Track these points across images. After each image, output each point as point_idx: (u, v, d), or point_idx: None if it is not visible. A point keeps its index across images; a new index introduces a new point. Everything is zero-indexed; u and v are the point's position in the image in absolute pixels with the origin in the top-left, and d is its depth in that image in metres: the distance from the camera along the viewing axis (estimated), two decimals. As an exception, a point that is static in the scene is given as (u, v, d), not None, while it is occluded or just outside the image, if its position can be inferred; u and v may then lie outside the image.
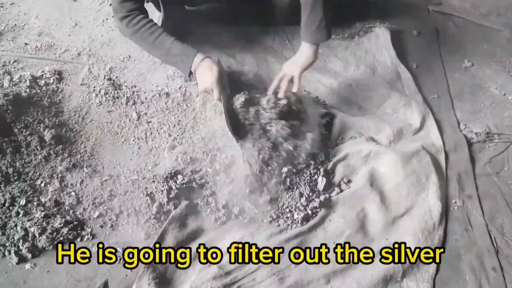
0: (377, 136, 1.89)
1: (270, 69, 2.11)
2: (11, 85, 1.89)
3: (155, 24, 1.78)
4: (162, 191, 1.61)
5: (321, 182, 1.69)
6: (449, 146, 1.89)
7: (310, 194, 1.66)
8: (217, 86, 1.68)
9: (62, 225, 1.53)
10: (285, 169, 1.67)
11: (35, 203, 1.59)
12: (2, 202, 1.57)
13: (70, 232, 1.54)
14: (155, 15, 2.04)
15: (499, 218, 1.70)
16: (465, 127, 1.98)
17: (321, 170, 1.72)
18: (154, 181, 1.65)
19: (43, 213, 1.55)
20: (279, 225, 1.61)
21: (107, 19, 2.31)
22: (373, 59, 2.23)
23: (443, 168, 1.82)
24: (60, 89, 1.94)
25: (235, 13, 2.25)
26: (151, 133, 1.84)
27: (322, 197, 1.65)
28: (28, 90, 1.87)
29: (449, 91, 2.14)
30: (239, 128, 1.70)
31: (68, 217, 1.58)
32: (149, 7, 2.02)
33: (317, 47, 1.77)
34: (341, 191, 1.72)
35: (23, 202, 1.57)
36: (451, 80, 2.19)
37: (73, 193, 1.64)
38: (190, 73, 1.76)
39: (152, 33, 1.74)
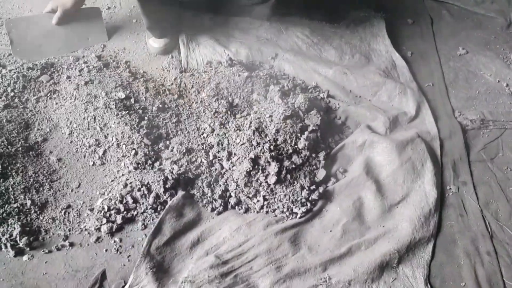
0: (373, 123, 1.89)
1: (264, 59, 2.11)
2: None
3: None
4: (159, 181, 1.61)
5: (321, 174, 1.70)
6: (444, 133, 1.90)
7: (310, 186, 1.66)
8: (50, 5, 2.05)
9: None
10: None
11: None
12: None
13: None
14: None
15: (494, 203, 1.72)
16: (460, 114, 1.99)
17: (321, 161, 1.72)
18: (149, 172, 1.66)
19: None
20: (276, 215, 1.61)
21: (101, 11, 2.29)
22: (368, 48, 2.23)
23: (438, 155, 1.83)
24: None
25: (229, 4, 2.24)
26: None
27: (321, 189, 1.66)
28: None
29: (443, 78, 2.14)
30: None
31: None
32: None
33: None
34: (337, 180, 1.73)
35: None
36: (445, 68, 2.20)
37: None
38: None
39: None
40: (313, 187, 1.66)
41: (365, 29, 2.31)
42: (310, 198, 1.63)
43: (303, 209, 1.60)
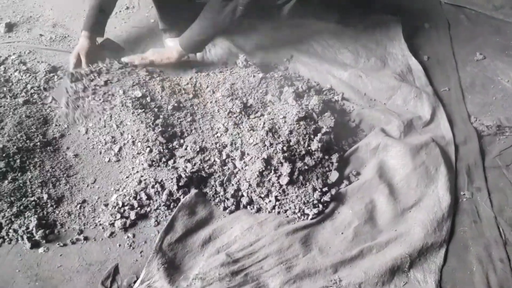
0: (387, 127, 1.89)
1: (279, 60, 2.12)
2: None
3: None
4: (172, 179, 1.63)
5: (334, 176, 1.70)
6: (459, 138, 1.89)
7: (322, 188, 1.66)
8: (71, 60, 1.94)
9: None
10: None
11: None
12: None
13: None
14: None
15: (508, 210, 1.69)
16: (476, 120, 1.98)
17: (334, 163, 1.73)
18: (163, 169, 1.68)
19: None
20: (287, 216, 1.62)
21: (120, 11, 2.34)
22: (384, 51, 2.23)
23: (453, 160, 1.81)
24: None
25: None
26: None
27: (333, 191, 1.66)
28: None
29: (460, 83, 2.13)
30: None
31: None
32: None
33: (183, 55, 1.99)
34: (350, 183, 1.73)
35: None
36: (462, 73, 2.18)
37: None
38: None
39: None
40: (325, 189, 1.66)
41: (382, 33, 2.31)
42: (322, 200, 1.64)
43: (315, 210, 1.61)
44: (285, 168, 1.63)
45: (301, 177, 1.65)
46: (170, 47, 2.05)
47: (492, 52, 2.27)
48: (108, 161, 1.76)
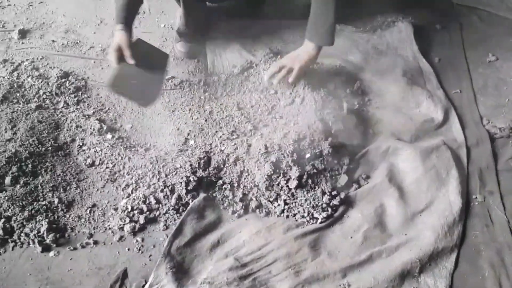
0: (398, 129, 1.87)
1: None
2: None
3: None
4: (181, 183, 1.64)
5: (344, 179, 1.69)
6: (471, 141, 1.87)
7: (332, 192, 1.65)
8: (112, 53, 1.74)
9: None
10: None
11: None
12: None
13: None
14: (178, 11, 2.08)
15: (522, 214, 1.67)
16: (488, 122, 1.95)
17: (344, 167, 1.72)
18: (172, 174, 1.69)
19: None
20: (296, 220, 1.61)
21: (130, 16, 2.36)
22: (395, 53, 2.21)
23: (465, 163, 1.79)
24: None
25: (255, 8, 2.26)
26: (178, 128, 1.88)
27: (342, 195, 1.65)
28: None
29: (472, 85, 2.10)
30: None
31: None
32: (173, 2, 2.06)
33: (320, 50, 1.82)
34: (360, 186, 1.72)
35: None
36: (474, 75, 2.15)
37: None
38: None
39: None
40: (334, 192, 1.65)
41: (393, 35, 2.29)
42: (331, 204, 1.63)
43: (324, 214, 1.60)
44: (294, 172, 1.63)
45: (310, 181, 1.65)
46: (305, 48, 1.83)
47: (505, 53, 2.24)
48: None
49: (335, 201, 1.63)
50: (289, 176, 1.64)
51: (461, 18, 2.42)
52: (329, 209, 1.61)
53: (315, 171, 1.66)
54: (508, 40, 2.31)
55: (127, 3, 1.78)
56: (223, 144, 1.76)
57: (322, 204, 1.62)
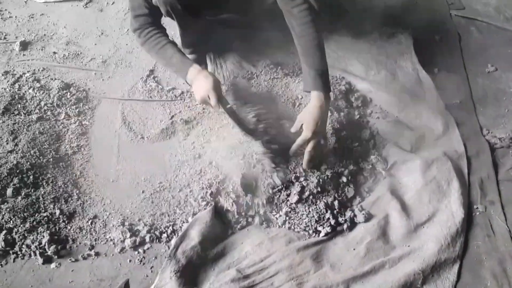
0: (399, 140, 1.88)
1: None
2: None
3: (163, 35, 1.84)
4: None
5: (350, 192, 1.70)
6: (472, 151, 1.87)
7: (336, 205, 1.65)
8: (213, 93, 1.68)
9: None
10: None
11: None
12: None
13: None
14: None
15: (523, 224, 1.67)
16: (488, 132, 1.96)
17: (345, 179, 1.72)
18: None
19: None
20: (298, 232, 1.61)
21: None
22: (395, 64, 2.22)
23: (465, 174, 1.79)
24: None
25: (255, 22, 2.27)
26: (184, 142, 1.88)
27: (349, 213, 1.64)
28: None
29: (471, 96, 2.11)
30: None
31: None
32: (171, 22, 2.07)
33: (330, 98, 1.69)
34: (362, 199, 1.72)
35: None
36: (473, 85, 2.16)
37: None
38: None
39: (158, 43, 1.81)
40: (337, 205, 1.65)
41: (392, 46, 2.31)
42: (335, 218, 1.62)
43: (328, 229, 1.59)
44: (295, 187, 1.63)
45: (311, 197, 1.64)
46: (316, 103, 1.63)
47: (504, 64, 2.25)
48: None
49: (341, 219, 1.63)
50: (290, 191, 1.64)
51: (459, 29, 2.44)
52: (333, 222, 1.60)
53: (319, 189, 1.65)
54: (507, 51, 2.33)
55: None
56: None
57: (325, 217, 1.61)
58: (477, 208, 1.70)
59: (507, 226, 1.65)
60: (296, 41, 1.70)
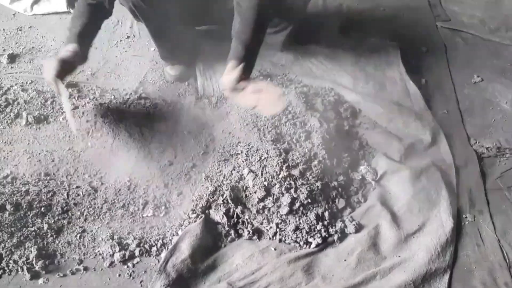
0: (388, 150, 1.89)
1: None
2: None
3: (92, 7, 1.75)
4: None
5: (341, 203, 1.71)
6: (460, 161, 1.89)
7: (326, 216, 1.65)
8: (50, 69, 1.62)
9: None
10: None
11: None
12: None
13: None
14: None
15: (511, 233, 1.68)
16: (476, 142, 1.98)
17: (335, 191, 1.73)
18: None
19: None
20: (289, 244, 1.60)
21: (121, 40, 2.37)
22: (383, 76, 2.24)
23: (454, 183, 1.81)
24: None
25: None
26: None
27: (339, 224, 1.65)
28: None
29: (458, 106, 2.14)
30: None
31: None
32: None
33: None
34: (353, 210, 1.72)
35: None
36: (460, 96, 2.19)
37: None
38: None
39: (77, 10, 1.75)
40: (328, 216, 1.65)
41: (380, 57, 2.33)
42: (326, 229, 1.62)
43: (319, 240, 1.59)
44: (286, 198, 1.63)
45: (301, 208, 1.64)
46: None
47: (489, 75, 2.29)
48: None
49: (332, 230, 1.63)
50: (281, 202, 1.64)
51: (446, 41, 2.48)
52: (324, 233, 1.61)
53: (309, 200, 1.65)
54: (492, 62, 2.37)
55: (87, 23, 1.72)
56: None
57: (315, 228, 1.61)
58: (466, 217, 1.71)
59: (496, 235, 1.67)
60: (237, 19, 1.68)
